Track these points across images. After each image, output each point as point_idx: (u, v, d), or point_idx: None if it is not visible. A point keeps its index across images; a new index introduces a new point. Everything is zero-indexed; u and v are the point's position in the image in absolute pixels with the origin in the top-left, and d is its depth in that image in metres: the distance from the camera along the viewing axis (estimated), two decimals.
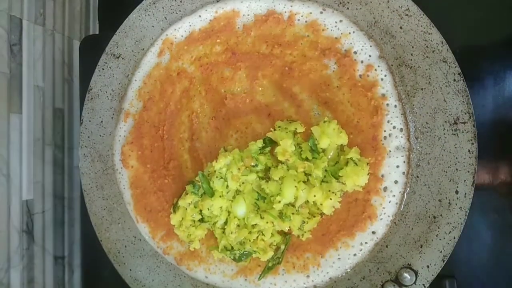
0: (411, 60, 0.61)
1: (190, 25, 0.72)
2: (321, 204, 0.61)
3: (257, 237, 0.64)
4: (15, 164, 0.82)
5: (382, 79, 0.62)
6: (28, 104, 0.86)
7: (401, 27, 0.61)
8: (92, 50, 0.86)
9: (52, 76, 0.93)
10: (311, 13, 0.65)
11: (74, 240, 0.98)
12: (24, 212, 0.84)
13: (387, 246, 0.62)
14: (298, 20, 0.66)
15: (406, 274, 0.59)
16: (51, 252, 0.91)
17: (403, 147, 0.61)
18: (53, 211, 0.93)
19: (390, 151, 0.61)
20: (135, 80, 0.75)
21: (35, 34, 0.88)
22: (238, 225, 0.65)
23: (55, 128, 0.94)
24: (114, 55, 0.77)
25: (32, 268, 0.85)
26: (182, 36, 0.73)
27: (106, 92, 0.78)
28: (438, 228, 0.59)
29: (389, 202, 0.61)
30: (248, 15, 0.68)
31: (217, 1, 0.71)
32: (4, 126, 0.79)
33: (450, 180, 0.58)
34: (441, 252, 0.58)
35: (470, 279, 0.68)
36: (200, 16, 0.71)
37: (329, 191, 0.61)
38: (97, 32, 1.07)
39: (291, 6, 0.66)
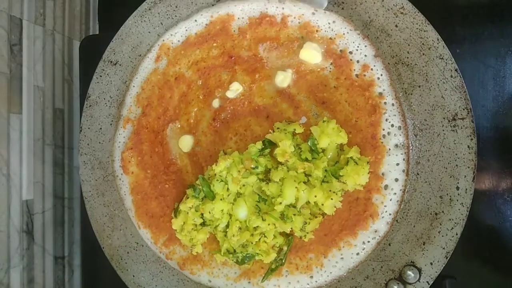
0: (407, 58, 0.61)
1: (186, 30, 0.72)
2: (322, 204, 0.60)
3: (259, 239, 0.64)
4: (15, 164, 0.82)
5: (378, 78, 0.62)
6: (28, 104, 0.86)
7: (396, 25, 0.62)
8: (92, 50, 0.87)
9: (52, 76, 0.94)
10: (303, 14, 0.65)
11: (74, 240, 0.98)
12: (24, 212, 0.84)
13: (389, 244, 0.62)
14: (291, 21, 0.66)
15: (409, 272, 0.59)
16: (51, 252, 0.91)
17: (402, 145, 0.61)
18: (53, 211, 0.93)
19: (389, 149, 0.61)
20: (133, 86, 0.76)
21: (35, 34, 0.89)
22: (240, 228, 0.65)
23: (55, 128, 0.94)
24: (111, 62, 0.78)
25: (32, 268, 0.85)
26: (178, 41, 0.73)
27: (104, 99, 0.78)
28: (440, 224, 0.59)
29: (390, 200, 0.61)
30: (243, 18, 0.69)
31: (212, 5, 0.71)
32: (4, 126, 0.79)
33: (450, 176, 0.58)
34: (443, 248, 0.58)
35: (470, 279, 0.68)
36: (196, 20, 0.71)
37: (330, 191, 0.61)
38: (97, 32, 1.07)
39: (283, 8, 0.66)
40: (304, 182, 0.62)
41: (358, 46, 0.63)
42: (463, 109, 0.58)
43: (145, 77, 0.75)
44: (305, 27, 0.65)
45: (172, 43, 0.73)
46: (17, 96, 0.83)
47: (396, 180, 0.61)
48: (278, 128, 0.65)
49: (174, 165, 0.73)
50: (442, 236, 0.58)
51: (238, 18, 0.69)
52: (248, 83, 0.69)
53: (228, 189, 0.65)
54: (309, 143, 0.63)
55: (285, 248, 0.65)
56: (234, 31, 0.69)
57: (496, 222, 0.66)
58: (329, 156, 0.63)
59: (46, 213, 0.90)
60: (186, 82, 0.72)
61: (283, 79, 0.66)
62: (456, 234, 0.58)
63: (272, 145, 0.65)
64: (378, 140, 0.61)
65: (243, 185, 0.65)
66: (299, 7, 0.65)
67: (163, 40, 0.73)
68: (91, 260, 0.91)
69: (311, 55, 0.64)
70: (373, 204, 0.61)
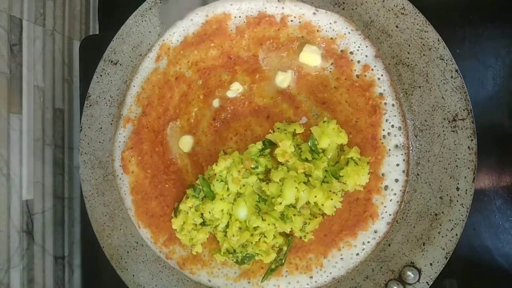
0: (408, 58, 0.61)
1: (183, 30, 0.72)
2: (322, 205, 0.61)
3: (259, 239, 0.64)
4: (15, 164, 0.82)
5: (379, 79, 0.62)
6: (28, 104, 0.86)
7: (397, 26, 0.61)
8: (92, 50, 0.87)
9: (52, 76, 0.94)
10: (303, 14, 0.65)
11: (74, 240, 0.99)
12: (24, 212, 0.84)
13: (389, 245, 0.62)
14: (291, 21, 0.66)
15: (409, 273, 0.59)
16: (51, 252, 0.92)
17: (403, 145, 0.61)
18: (53, 211, 0.93)
19: (389, 149, 0.61)
20: (134, 86, 0.76)
21: (35, 34, 0.89)
22: (240, 228, 0.65)
23: (55, 128, 0.94)
24: (111, 61, 0.77)
25: (32, 268, 0.85)
26: (177, 40, 0.73)
27: (104, 98, 0.78)
28: (440, 225, 0.59)
29: (390, 200, 0.61)
30: (240, 17, 0.68)
31: (207, 4, 0.70)
32: (4, 126, 0.79)
33: (450, 177, 0.58)
34: (443, 249, 0.58)
35: (470, 279, 0.68)
36: (192, 20, 0.71)
37: (330, 191, 0.61)
38: (97, 32, 1.07)
39: (283, 8, 0.66)
40: (304, 183, 0.62)
41: (359, 47, 0.63)
42: (464, 110, 0.58)
43: (146, 76, 0.75)
44: (306, 27, 0.65)
45: (172, 43, 0.73)
46: (17, 96, 0.83)
47: (396, 180, 0.61)
48: (278, 128, 0.65)
49: (174, 165, 0.73)
50: (442, 236, 0.58)
51: (235, 17, 0.68)
52: (249, 83, 0.69)
53: (228, 189, 0.65)
54: (309, 143, 0.63)
55: (285, 248, 0.65)
56: (231, 30, 0.69)
57: (496, 222, 0.66)
58: (329, 157, 0.63)
59: (46, 213, 0.90)
60: (186, 82, 0.72)
61: (283, 79, 0.66)
62: (456, 235, 0.58)
63: (272, 145, 0.65)
64: (378, 140, 0.61)
65: (243, 185, 0.65)
66: (299, 7, 0.65)
67: (164, 40, 0.73)
68: (91, 260, 0.91)
69: (311, 58, 0.64)
70: (373, 205, 0.61)
